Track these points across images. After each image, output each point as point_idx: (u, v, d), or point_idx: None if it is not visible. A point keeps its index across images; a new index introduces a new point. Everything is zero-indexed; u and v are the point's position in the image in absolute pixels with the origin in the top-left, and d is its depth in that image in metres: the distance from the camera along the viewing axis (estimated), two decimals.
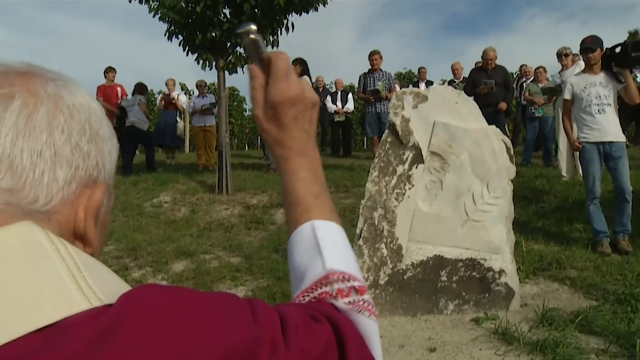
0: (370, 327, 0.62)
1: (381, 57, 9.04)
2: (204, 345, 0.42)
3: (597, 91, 4.85)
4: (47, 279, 0.44)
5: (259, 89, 0.73)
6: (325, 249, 0.65)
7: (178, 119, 11.12)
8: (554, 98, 7.46)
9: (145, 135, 9.92)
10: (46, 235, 0.48)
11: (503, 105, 7.91)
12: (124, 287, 0.48)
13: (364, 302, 0.62)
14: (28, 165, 0.50)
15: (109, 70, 10.00)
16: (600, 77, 4.88)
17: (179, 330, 0.42)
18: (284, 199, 0.72)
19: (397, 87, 9.61)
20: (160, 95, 11.21)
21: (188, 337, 0.42)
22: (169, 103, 10.71)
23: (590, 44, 4.88)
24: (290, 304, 0.59)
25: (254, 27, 0.73)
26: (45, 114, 0.52)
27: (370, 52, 9.05)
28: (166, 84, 11.19)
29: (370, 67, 9.17)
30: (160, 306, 0.44)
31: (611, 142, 4.80)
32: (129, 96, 10.05)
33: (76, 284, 0.44)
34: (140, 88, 10.13)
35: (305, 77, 8.46)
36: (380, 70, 9.03)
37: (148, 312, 0.43)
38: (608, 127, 4.81)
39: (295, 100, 0.71)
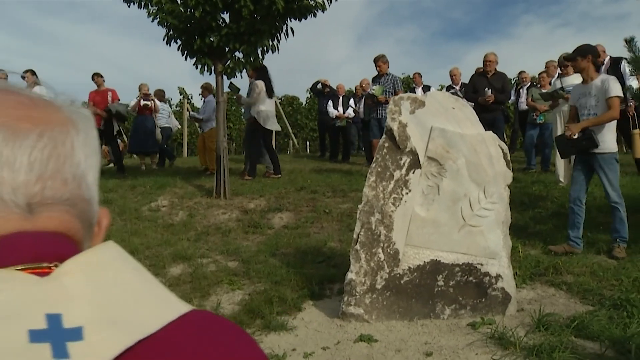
0: None
1: (385, 62, 8.99)
2: None
3: (587, 101, 4.87)
4: (155, 286, 0.53)
5: None
6: None
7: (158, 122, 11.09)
8: (552, 103, 7.47)
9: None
10: (126, 253, 0.56)
11: (491, 97, 7.91)
12: None
13: None
14: (92, 183, 0.59)
15: (96, 76, 9.97)
16: (591, 86, 4.85)
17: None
18: None
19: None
20: (136, 100, 10.82)
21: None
22: (144, 108, 10.61)
23: (569, 55, 4.96)
24: None
25: None
26: (93, 140, 0.60)
27: (375, 58, 9.03)
28: (140, 89, 10.93)
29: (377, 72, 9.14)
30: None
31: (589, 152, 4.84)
32: (121, 100, 10.10)
33: (170, 293, 0.54)
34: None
35: (259, 81, 8.30)
36: (387, 74, 8.98)
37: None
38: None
39: None
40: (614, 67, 7.52)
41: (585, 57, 4.82)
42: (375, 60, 8.97)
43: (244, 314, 3.93)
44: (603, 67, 7.62)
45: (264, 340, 3.52)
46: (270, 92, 8.42)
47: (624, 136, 7.86)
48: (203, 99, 10.34)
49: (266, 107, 8.40)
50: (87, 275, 0.49)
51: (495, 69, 8.34)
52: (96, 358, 0.43)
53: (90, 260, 0.50)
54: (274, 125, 8.60)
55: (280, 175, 8.60)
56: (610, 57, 7.68)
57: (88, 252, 0.52)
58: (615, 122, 4.81)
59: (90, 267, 0.50)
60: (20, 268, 0.48)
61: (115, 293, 0.49)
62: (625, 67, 7.32)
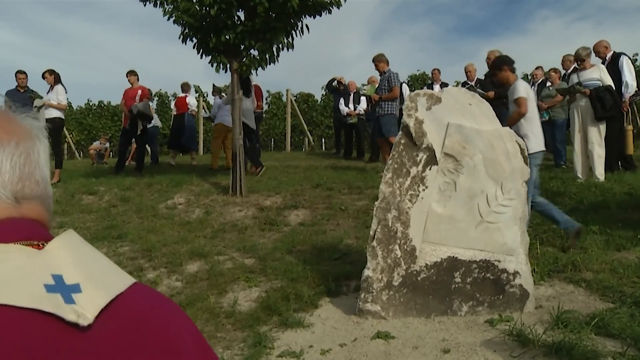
0: None
1: (380, 61, 8.92)
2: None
3: (509, 107, 5.14)
4: (110, 262, 0.70)
5: None
6: None
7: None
8: (570, 98, 7.39)
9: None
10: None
11: (490, 94, 7.87)
12: None
13: None
14: (49, 182, 0.74)
15: (130, 74, 10.10)
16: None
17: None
18: None
19: (406, 87, 9.84)
20: (176, 98, 11.57)
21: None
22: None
23: (489, 72, 5.46)
24: None
25: None
26: (48, 148, 0.75)
27: (372, 59, 9.05)
28: (188, 87, 11.67)
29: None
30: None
31: None
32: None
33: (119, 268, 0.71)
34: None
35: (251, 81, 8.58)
36: (384, 72, 8.97)
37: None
38: None
39: None
40: (613, 62, 7.47)
41: (501, 68, 5.11)
42: (373, 61, 9.02)
43: (261, 311, 3.94)
44: (605, 63, 7.55)
45: (281, 337, 3.53)
46: (247, 92, 8.54)
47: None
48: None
49: (244, 106, 8.49)
50: (69, 250, 0.66)
51: None
52: (93, 305, 0.60)
53: (67, 240, 0.68)
54: (249, 122, 8.71)
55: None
56: (614, 52, 7.61)
57: (63, 235, 0.68)
58: (537, 125, 5.00)
59: (69, 245, 0.67)
60: (24, 243, 0.63)
61: (91, 263, 0.67)
62: (623, 63, 7.29)
